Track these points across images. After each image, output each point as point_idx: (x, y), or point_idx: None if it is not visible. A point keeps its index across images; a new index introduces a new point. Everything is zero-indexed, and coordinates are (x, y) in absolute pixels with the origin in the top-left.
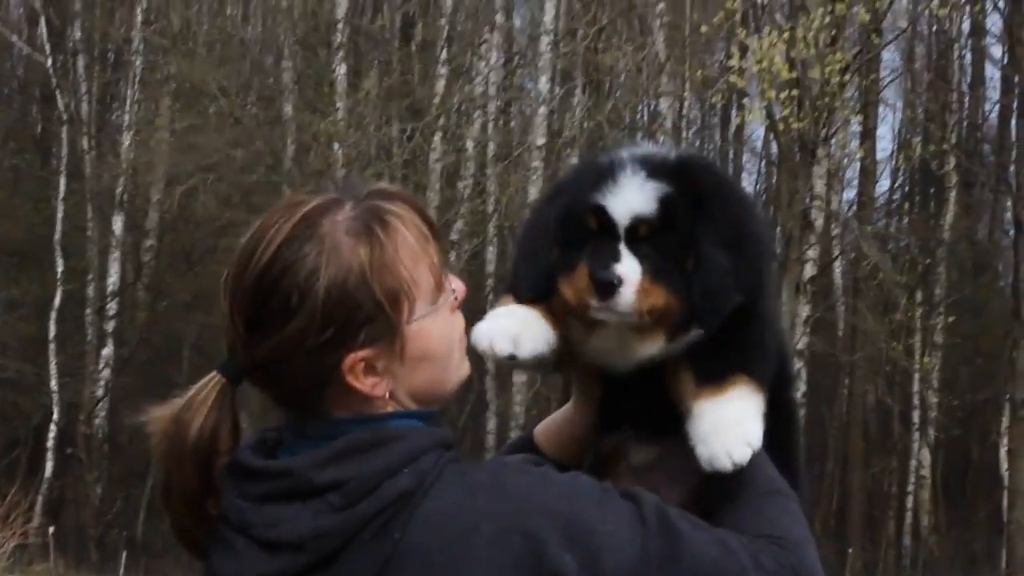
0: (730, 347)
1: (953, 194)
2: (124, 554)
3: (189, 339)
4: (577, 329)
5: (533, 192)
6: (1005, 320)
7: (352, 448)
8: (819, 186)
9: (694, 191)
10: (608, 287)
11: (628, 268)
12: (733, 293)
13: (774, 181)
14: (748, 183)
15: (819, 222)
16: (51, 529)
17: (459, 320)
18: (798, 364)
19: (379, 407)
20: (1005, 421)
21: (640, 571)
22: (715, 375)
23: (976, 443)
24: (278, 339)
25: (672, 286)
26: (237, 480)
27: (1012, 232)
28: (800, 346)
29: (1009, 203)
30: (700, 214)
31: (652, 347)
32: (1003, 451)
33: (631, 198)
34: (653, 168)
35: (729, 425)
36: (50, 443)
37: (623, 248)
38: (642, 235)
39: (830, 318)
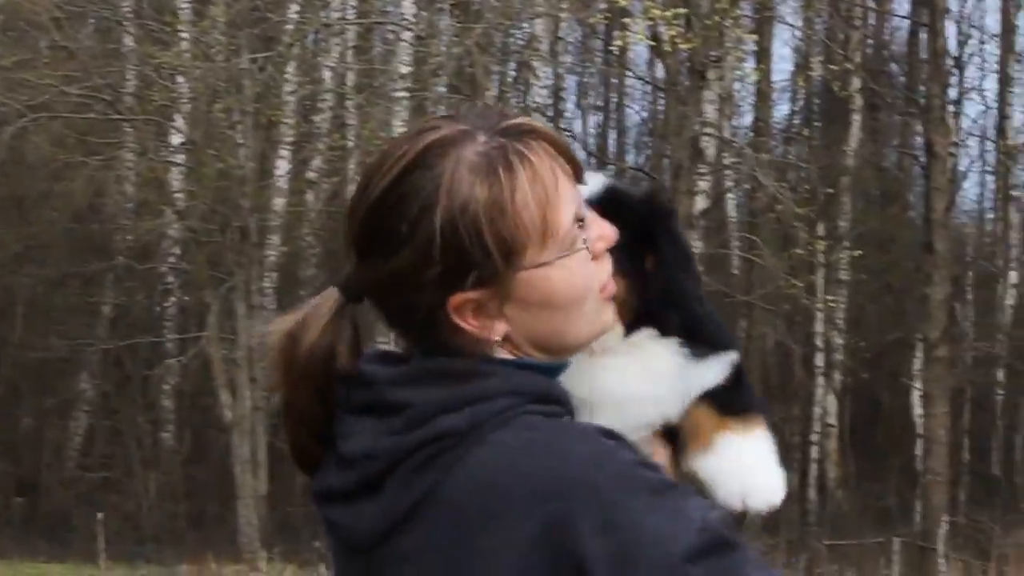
0: (743, 392)
1: (857, 118)
2: None
3: (23, 294)
4: None
5: (397, 125)
6: (916, 253)
7: (432, 373)
8: (710, 112)
9: (660, 202)
10: None
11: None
12: (695, 304)
13: (661, 108)
14: (634, 111)
15: (710, 151)
16: None
17: (600, 268)
18: None
19: (494, 349)
20: (918, 363)
21: (680, 570)
22: (740, 407)
23: (886, 387)
24: (386, 270)
25: (628, 276)
26: (345, 388)
27: (923, 158)
28: None
29: (919, 126)
30: (666, 223)
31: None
32: (916, 395)
33: (601, 176)
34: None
35: (768, 465)
36: None
37: None
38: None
39: (724, 254)
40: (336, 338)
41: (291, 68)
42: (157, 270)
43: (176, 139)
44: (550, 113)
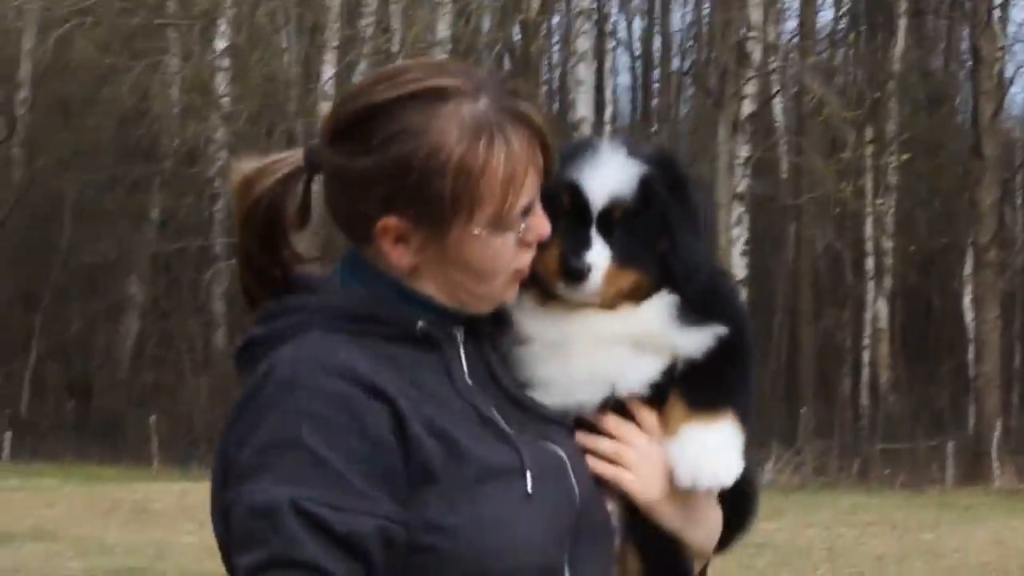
0: (720, 380)
1: (903, 22)
2: (9, 433)
3: (70, 198)
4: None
5: (442, 29)
6: (964, 157)
7: (297, 283)
8: (755, 16)
9: (671, 174)
10: (578, 275)
11: (598, 256)
12: (710, 270)
13: (706, 12)
14: (679, 15)
15: (756, 55)
16: None
17: (524, 254)
18: (739, 209)
19: (400, 272)
20: (968, 267)
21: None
22: (706, 404)
23: (937, 291)
24: (344, 165)
25: (642, 268)
26: None
27: (969, 63)
28: (740, 189)
29: (966, 31)
30: (675, 197)
31: (616, 318)
32: (967, 300)
33: (609, 178)
34: (632, 148)
35: (716, 450)
36: None
37: (594, 233)
38: (616, 217)
39: (772, 158)
40: (285, 194)
41: None
42: (204, 174)
43: (221, 43)
44: (595, 18)
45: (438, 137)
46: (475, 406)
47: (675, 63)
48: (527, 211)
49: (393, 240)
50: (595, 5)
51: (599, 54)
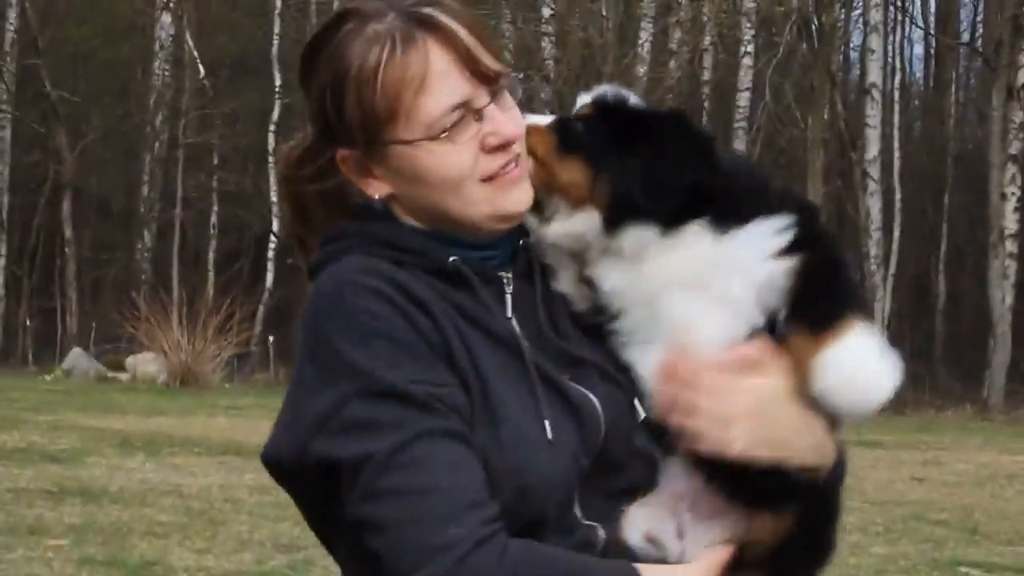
0: (823, 293)
1: None
2: None
3: None
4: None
5: (747, 3)
6: None
7: (358, 212)
8: None
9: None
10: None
11: (533, 119)
12: (688, 176)
13: None
14: None
15: None
16: (271, 339)
17: (490, 162)
18: (1012, 169)
19: (387, 206)
20: None
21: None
22: (828, 319)
23: None
24: (312, 121)
25: (596, 165)
26: None
27: None
28: (1013, 151)
29: None
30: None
31: (577, 223)
32: None
33: (604, 89)
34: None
35: (864, 370)
36: (271, 254)
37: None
38: (582, 115)
39: None
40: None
41: None
42: None
43: (546, 12)
44: None
45: (338, 59)
46: (506, 345)
47: (965, 36)
48: (475, 114)
49: (356, 172)
50: None
51: (892, 26)
